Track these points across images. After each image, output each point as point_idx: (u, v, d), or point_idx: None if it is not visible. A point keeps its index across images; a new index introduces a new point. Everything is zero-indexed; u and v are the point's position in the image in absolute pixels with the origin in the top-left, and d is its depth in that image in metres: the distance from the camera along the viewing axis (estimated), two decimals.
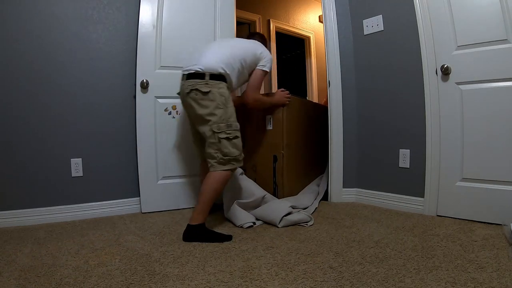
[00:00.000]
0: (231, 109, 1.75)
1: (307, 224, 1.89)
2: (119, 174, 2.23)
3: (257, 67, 1.92)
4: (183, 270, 1.32)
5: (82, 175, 2.13)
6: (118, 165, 2.23)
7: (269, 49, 4.36)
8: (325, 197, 2.51)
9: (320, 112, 2.85)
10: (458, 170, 1.93)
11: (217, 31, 2.39)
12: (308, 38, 4.65)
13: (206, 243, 1.62)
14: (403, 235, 1.68)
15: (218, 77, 1.72)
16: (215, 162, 1.70)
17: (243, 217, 1.92)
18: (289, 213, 1.92)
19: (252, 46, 1.93)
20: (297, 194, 2.41)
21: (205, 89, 1.68)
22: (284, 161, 2.27)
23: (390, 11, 2.20)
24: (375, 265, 1.33)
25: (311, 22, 4.68)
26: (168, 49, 2.24)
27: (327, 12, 2.45)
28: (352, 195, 2.48)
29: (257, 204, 2.07)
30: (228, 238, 1.67)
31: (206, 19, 2.36)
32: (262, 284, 1.19)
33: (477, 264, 1.30)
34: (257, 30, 4.12)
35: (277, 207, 1.96)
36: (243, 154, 1.79)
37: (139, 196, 2.24)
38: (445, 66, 1.92)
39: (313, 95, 4.63)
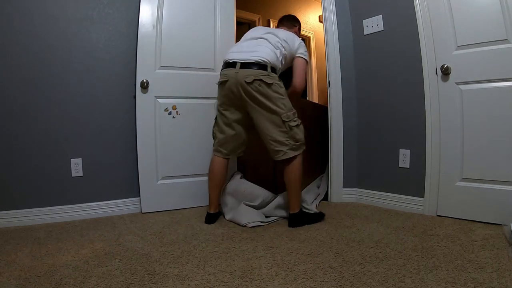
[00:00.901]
0: (288, 99, 1.85)
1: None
2: (119, 174, 2.23)
3: (298, 56, 1.95)
4: (183, 270, 1.32)
5: (82, 175, 2.13)
6: (118, 165, 2.23)
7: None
8: (325, 197, 2.51)
9: (320, 112, 2.85)
10: (458, 170, 1.93)
11: (217, 31, 2.39)
12: (308, 38, 4.65)
13: (206, 243, 1.62)
14: (403, 235, 1.68)
15: (273, 69, 1.82)
16: (288, 149, 1.82)
17: (248, 216, 1.92)
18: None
19: (291, 40, 1.96)
20: None
21: (269, 81, 1.76)
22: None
23: (390, 11, 2.20)
24: (375, 265, 1.33)
25: (311, 22, 4.68)
26: (168, 49, 2.24)
27: (327, 12, 2.45)
28: (352, 195, 2.47)
29: (263, 205, 2.07)
30: (322, 216, 1.97)
31: (206, 19, 2.36)
32: (262, 284, 1.19)
33: (477, 264, 1.30)
34: None
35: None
36: None
37: (139, 196, 2.24)
38: (445, 66, 1.92)
39: (313, 95, 4.63)
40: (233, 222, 1.95)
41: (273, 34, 1.93)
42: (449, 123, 1.95)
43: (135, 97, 2.20)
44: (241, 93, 1.79)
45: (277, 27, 2.19)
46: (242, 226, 1.88)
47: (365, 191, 2.42)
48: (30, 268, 1.34)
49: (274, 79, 1.79)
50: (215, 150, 1.99)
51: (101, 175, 2.18)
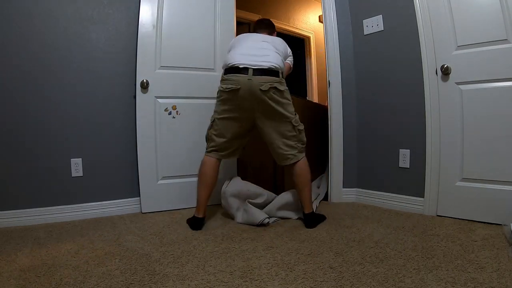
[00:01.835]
0: None
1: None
2: (119, 174, 2.23)
3: (287, 62, 2.02)
4: (183, 270, 1.32)
5: (82, 175, 2.13)
6: (118, 165, 2.23)
7: None
8: (325, 197, 2.51)
9: (320, 112, 2.85)
10: (458, 170, 1.93)
11: (217, 31, 2.39)
12: (308, 38, 4.65)
13: (206, 243, 1.62)
14: (403, 235, 1.68)
15: (283, 74, 1.84)
16: (297, 152, 1.86)
17: (260, 215, 1.92)
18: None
19: (284, 46, 2.02)
20: None
21: (282, 88, 1.78)
22: None
23: (390, 11, 2.20)
24: (375, 265, 1.33)
25: (311, 22, 4.68)
26: (168, 49, 2.24)
27: (327, 12, 2.45)
28: (352, 195, 2.47)
29: (266, 204, 2.07)
30: (324, 217, 1.99)
31: (206, 19, 2.36)
32: (262, 284, 1.19)
33: (477, 264, 1.30)
34: None
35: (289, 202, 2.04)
36: None
37: (139, 196, 2.24)
38: (445, 66, 1.92)
39: (313, 95, 4.62)
40: (247, 224, 1.93)
41: (271, 40, 1.95)
42: (449, 123, 1.95)
43: (135, 97, 2.20)
44: (253, 102, 1.75)
45: (255, 30, 2.16)
46: (256, 225, 1.87)
47: (365, 191, 2.42)
48: (30, 268, 1.34)
49: (285, 85, 1.81)
50: (210, 152, 1.91)
51: (101, 175, 2.18)
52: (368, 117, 2.38)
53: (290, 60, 2.04)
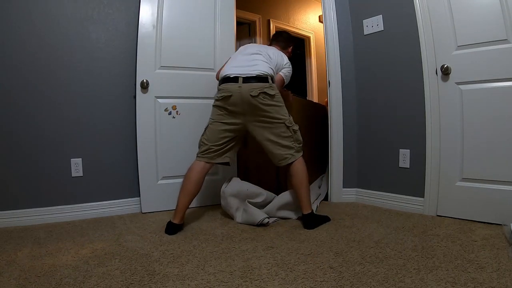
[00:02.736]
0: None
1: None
2: (119, 174, 2.23)
3: (280, 73, 2.05)
4: (183, 270, 1.32)
5: (82, 175, 2.13)
6: (118, 165, 2.23)
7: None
8: (325, 197, 2.51)
9: (320, 112, 2.85)
10: (458, 170, 1.93)
11: (217, 31, 2.39)
12: (308, 38, 4.66)
13: (206, 243, 1.62)
14: (403, 235, 1.68)
15: (273, 79, 1.92)
16: (294, 151, 1.89)
17: (260, 214, 1.91)
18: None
19: (281, 58, 2.05)
20: None
21: (272, 92, 1.83)
22: None
23: (390, 11, 2.20)
24: (375, 265, 1.33)
25: (311, 22, 4.68)
26: (168, 49, 2.24)
27: (327, 12, 2.45)
28: (352, 195, 2.47)
29: (266, 203, 2.07)
30: (329, 218, 1.98)
31: (206, 19, 2.36)
32: (262, 284, 1.19)
33: (477, 264, 1.30)
34: (257, 30, 4.12)
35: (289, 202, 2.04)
36: None
37: (139, 196, 2.24)
38: (445, 66, 1.92)
39: (313, 95, 4.63)
40: (246, 224, 1.92)
41: (265, 51, 1.99)
42: (449, 123, 1.95)
43: (135, 97, 2.20)
44: (245, 107, 1.82)
45: (271, 43, 2.25)
46: (256, 225, 1.87)
47: (365, 191, 2.42)
48: (30, 268, 1.34)
49: (275, 89, 1.86)
50: (201, 157, 1.91)
51: (101, 175, 2.18)
52: (368, 117, 2.38)
53: (284, 72, 2.05)
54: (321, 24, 2.73)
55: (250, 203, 2.00)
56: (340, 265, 1.34)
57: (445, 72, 1.93)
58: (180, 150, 2.31)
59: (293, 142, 1.89)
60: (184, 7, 2.29)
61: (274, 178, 2.34)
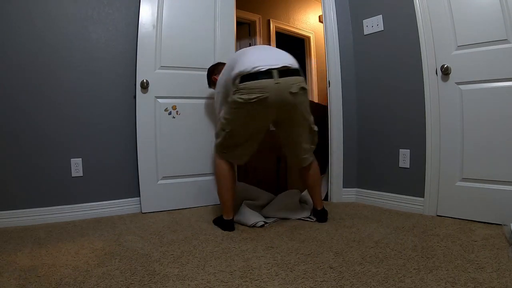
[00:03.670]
0: None
1: (312, 219, 1.96)
2: (119, 174, 2.23)
3: None
4: (183, 270, 1.32)
5: (82, 175, 2.13)
6: (118, 165, 2.23)
7: None
8: (325, 197, 2.50)
9: (320, 112, 2.85)
10: (458, 170, 1.93)
11: (217, 31, 2.39)
12: (308, 38, 4.65)
13: (206, 243, 1.63)
14: (403, 235, 1.68)
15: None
16: (310, 154, 1.86)
17: (254, 217, 1.91)
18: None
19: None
20: None
21: (307, 87, 1.67)
22: (287, 162, 2.26)
23: (390, 11, 2.20)
24: (375, 265, 1.33)
25: (311, 22, 4.68)
26: (168, 49, 2.24)
27: (327, 12, 2.45)
28: (352, 195, 2.47)
29: (264, 204, 2.07)
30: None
31: (206, 19, 2.36)
32: (262, 284, 1.19)
33: (477, 264, 1.29)
34: (257, 30, 4.12)
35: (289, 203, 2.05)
36: None
37: (139, 196, 2.24)
38: (445, 66, 1.92)
39: (313, 95, 4.63)
40: (239, 224, 1.93)
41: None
42: (449, 123, 1.95)
43: (135, 97, 2.20)
44: (281, 109, 1.58)
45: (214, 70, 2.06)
46: (249, 226, 1.87)
47: (365, 191, 2.42)
48: (30, 268, 1.34)
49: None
50: (227, 159, 1.79)
51: (101, 175, 2.18)
52: (368, 117, 2.38)
53: None
54: (321, 24, 2.73)
55: (248, 204, 2.00)
56: (340, 265, 1.34)
57: (445, 72, 1.93)
58: (180, 150, 2.31)
59: (311, 144, 1.87)
60: (184, 7, 2.29)
61: (274, 178, 2.34)
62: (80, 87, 2.11)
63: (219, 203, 2.13)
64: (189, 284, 1.20)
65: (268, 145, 2.36)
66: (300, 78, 1.60)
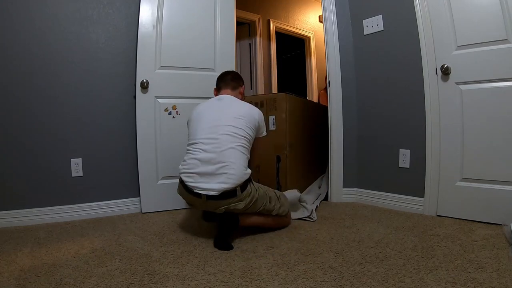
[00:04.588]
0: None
1: (312, 219, 1.97)
2: (119, 174, 2.23)
3: (261, 136, 1.88)
4: (183, 270, 1.32)
5: (82, 175, 2.13)
6: (118, 165, 2.23)
7: (269, 50, 4.36)
8: (325, 197, 2.51)
9: (320, 112, 2.85)
10: (458, 170, 1.93)
11: (217, 31, 2.39)
12: (308, 38, 4.66)
13: (206, 243, 1.62)
14: (403, 235, 1.68)
15: (244, 185, 1.64)
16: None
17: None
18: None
19: (254, 117, 1.77)
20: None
21: (240, 206, 1.62)
22: (287, 161, 2.27)
23: (390, 11, 2.20)
24: (375, 265, 1.33)
25: (311, 22, 4.68)
26: (168, 49, 2.24)
27: (327, 12, 2.45)
28: (352, 195, 2.47)
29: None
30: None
31: (206, 19, 2.36)
32: (262, 284, 1.19)
33: (477, 264, 1.29)
34: (257, 30, 4.12)
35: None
36: None
37: (139, 196, 2.24)
38: (445, 66, 1.92)
39: (313, 95, 4.63)
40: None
41: (239, 118, 1.66)
42: (449, 123, 1.95)
43: (135, 97, 2.20)
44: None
45: (219, 88, 1.91)
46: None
47: (365, 191, 2.42)
48: (30, 268, 1.34)
49: (245, 198, 1.59)
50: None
51: (101, 175, 2.18)
52: (368, 117, 2.38)
53: (262, 132, 1.81)
54: (321, 24, 2.73)
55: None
56: (340, 265, 1.34)
57: (445, 72, 1.93)
58: (180, 150, 2.30)
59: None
60: (184, 7, 2.29)
61: (274, 178, 2.34)
62: (80, 87, 2.11)
63: None
64: (189, 284, 1.20)
65: (268, 144, 2.37)
66: (227, 201, 1.55)
